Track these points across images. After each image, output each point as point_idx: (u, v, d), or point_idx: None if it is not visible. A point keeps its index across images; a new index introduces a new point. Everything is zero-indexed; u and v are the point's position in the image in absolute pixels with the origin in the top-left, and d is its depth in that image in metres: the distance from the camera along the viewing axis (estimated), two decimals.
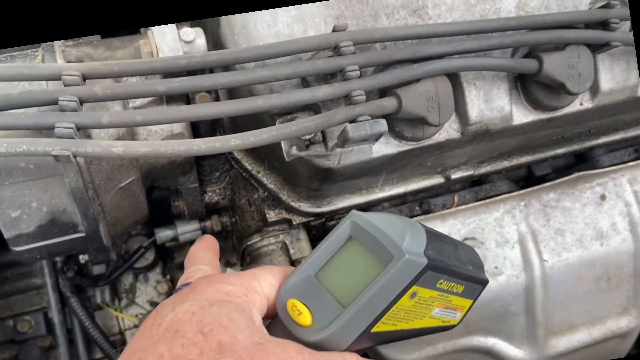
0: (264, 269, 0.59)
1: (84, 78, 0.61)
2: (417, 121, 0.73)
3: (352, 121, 0.67)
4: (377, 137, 0.68)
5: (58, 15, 0.65)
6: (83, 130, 0.63)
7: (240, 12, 0.74)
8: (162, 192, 1.00)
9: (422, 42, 0.73)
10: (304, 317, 0.54)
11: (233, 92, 0.77)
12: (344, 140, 0.67)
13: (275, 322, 0.57)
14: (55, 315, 1.10)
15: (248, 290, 0.55)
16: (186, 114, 0.61)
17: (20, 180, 0.71)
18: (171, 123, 0.69)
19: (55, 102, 0.59)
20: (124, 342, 1.15)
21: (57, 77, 0.61)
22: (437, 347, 0.90)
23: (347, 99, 0.68)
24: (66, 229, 0.78)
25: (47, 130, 0.61)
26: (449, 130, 0.79)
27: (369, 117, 0.67)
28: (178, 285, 0.62)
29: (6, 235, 0.77)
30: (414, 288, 0.54)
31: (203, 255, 0.67)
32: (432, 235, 0.58)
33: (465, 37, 0.73)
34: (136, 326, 1.13)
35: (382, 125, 0.66)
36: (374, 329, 0.54)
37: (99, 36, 0.85)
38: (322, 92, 0.66)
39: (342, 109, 0.67)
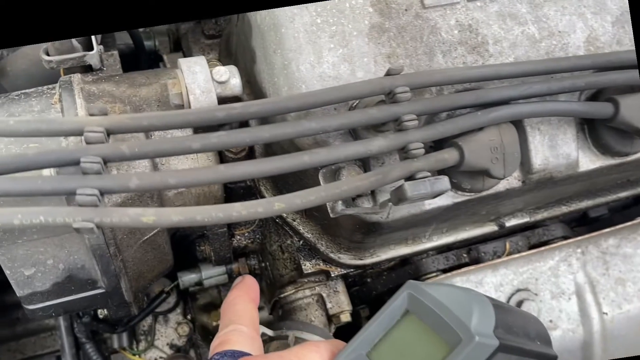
0: (309, 347, 0.54)
1: (109, 133, 0.54)
2: (478, 173, 0.65)
3: (409, 177, 0.59)
4: (437, 196, 0.60)
5: (58, 15, 0.58)
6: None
7: (240, 12, 0.68)
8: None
9: (484, 84, 0.65)
10: None
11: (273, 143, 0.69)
12: (400, 200, 0.59)
13: None
14: None
15: None
16: (224, 174, 0.54)
17: (35, 237, 0.64)
18: (208, 184, 0.61)
19: (76, 163, 0.52)
20: None
21: (78, 133, 0.53)
22: None
23: (403, 151, 0.60)
24: (84, 285, 0.71)
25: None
26: (510, 179, 0.70)
27: (428, 173, 0.59)
28: (212, 350, 0.57)
29: (19, 293, 0.70)
30: None
31: (242, 309, 0.61)
32: (499, 309, 0.52)
33: (532, 78, 0.65)
34: None
35: (444, 183, 0.58)
36: None
37: (120, 70, 0.78)
38: (375, 145, 0.58)
39: (399, 165, 0.59)
